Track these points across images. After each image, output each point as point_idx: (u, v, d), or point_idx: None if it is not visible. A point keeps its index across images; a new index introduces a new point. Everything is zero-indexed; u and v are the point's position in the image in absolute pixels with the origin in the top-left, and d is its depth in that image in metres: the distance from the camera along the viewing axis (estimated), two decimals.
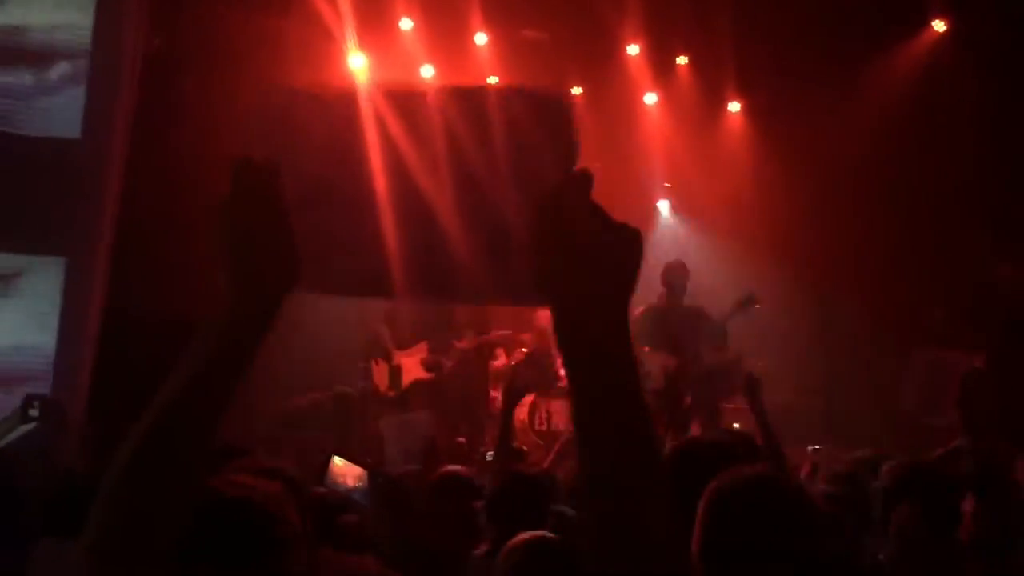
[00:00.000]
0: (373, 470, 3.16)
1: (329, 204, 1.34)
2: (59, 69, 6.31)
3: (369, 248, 1.31)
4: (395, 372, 8.10)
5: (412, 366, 8.18)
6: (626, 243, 1.15)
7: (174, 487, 1.10)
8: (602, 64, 9.95)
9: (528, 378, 3.79)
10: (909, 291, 8.86)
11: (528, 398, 8.34)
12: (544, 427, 8.33)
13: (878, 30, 9.01)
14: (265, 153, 1.25)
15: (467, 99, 1.42)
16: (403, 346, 8.23)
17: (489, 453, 5.99)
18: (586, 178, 1.18)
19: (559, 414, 8.36)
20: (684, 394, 6.67)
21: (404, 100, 1.45)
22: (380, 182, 1.41)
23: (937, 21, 8.96)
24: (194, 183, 7.77)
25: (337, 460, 3.22)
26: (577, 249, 1.12)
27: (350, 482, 3.17)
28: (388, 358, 8.15)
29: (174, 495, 1.10)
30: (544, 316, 9.53)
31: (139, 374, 6.41)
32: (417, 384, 8.16)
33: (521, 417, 8.42)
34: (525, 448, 8.42)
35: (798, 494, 1.88)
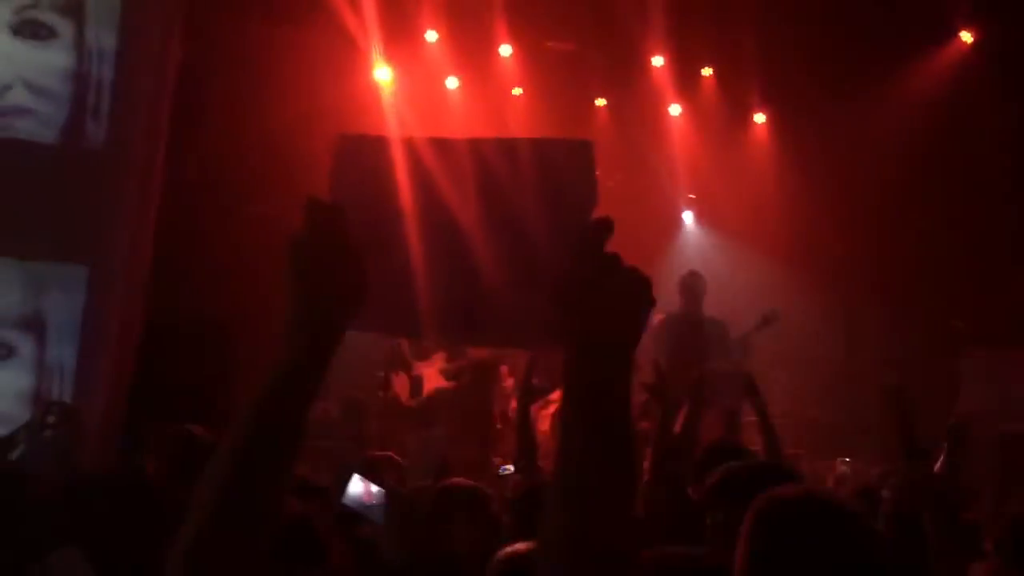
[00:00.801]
0: (392, 490, 3.18)
1: (387, 247, 1.44)
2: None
3: (415, 291, 1.40)
4: (416, 383, 8.12)
5: (432, 376, 8.18)
6: (638, 291, 1.21)
7: (265, 501, 1.15)
8: (627, 75, 9.96)
9: (544, 374, 3.77)
10: (934, 303, 8.79)
11: (550, 408, 8.35)
12: None
13: (904, 41, 8.95)
14: (335, 195, 1.33)
15: (501, 149, 1.50)
16: (421, 356, 8.27)
17: (504, 467, 5.99)
18: (606, 226, 1.25)
19: None
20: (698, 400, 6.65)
21: (445, 149, 1.54)
22: (427, 228, 1.50)
23: (964, 32, 8.89)
24: (221, 191, 7.89)
25: (356, 477, 3.25)
26: (594, 297, 1.19)
27: (367, 499, 3.20)
28: (408, 369, 8.17)
29: (264, 509, 1.15)
30: None
31: (173, 378, 6.53)
32: (438, 393, 8.19)
33: (543, 428, 8.43)
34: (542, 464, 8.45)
35: (855, 516, 1.84)
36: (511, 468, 4.52)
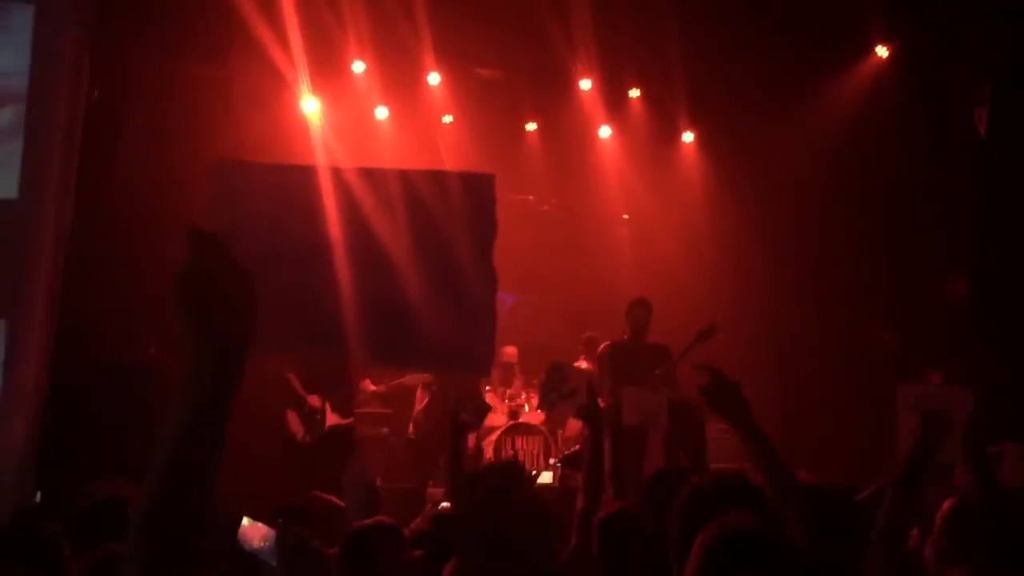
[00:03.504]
0: (283, 528, 3.11)
1: (276, 269, 1.51)
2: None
3: (309, 312, 1.44)
4: (310, 417, 7.68)
5: (327, 410, 7.71)
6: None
7: (195, 515, 1.21)
8: (556, 99, 10.04)
9: (471, 410, 3.70)
10: (860, 314, 8.98)
11: (493, 435, 8.33)
12: None
13: (824, 57, 9.18)
14: (217, 221, 1.42)
15: (407, 179, 1.52)
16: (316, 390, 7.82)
17: (443, 505, 5.90)
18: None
19: (525, 451, 8.35)
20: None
21: (347, 176, 1.56)
22: (322, 251, 1.54)
23: (880, 47, 9.16)
24: (138, 236, 7.70)
25: (245, 520, 3.20)
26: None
27: (257, 542, 3.14)
28: (300, 404, 7.73)
29: (197, 519, 1.21)
30: (508, 352, 9.51)
31: (88, 418, 6.31)
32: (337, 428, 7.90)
33: (487, 455, 8.39)
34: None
35: (796, 554, 1.88)
36: (448, 505, 4.45)
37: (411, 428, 8.72)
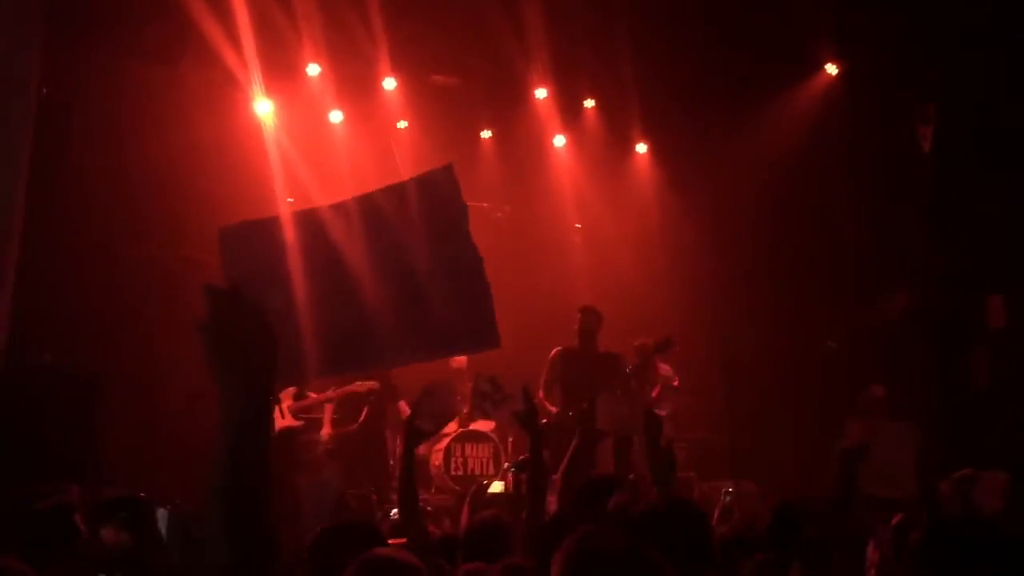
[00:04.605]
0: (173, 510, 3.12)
1: (281, 311, 1.76)
2: None
3: (305, 342, 1.69)
4: None
5: (277, 416, 7.57)
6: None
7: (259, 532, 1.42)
8: (511, 108, 10.07)
9: (430, 415, 3.69)
10: (806, 325, 9.13)
11: (442, 443, 8.30)
12: (460, 472, 8.28)
13: (775, 73, 9.34)
14: (229, 278, 1.65)
15: (387, 196, 1.60)
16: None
17: (394, 512, 5.87)
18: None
19: (475, 458, 8.33)
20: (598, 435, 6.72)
21: (318, 215, 1.69)
22: (311, 285, 1.76)
23: (830, 65, 9.36)
24: (90, 232, 7.56)
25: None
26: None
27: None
28: None
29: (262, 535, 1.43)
30: (458, 360, 9.48)
31: (31, 434, 6.17)
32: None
33: (436, 462, 8.36)
34: (435, 489, 8.35)
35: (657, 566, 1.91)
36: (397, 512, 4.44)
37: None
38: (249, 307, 1.46)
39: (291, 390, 7.74)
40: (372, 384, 8.09)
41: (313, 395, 8.17)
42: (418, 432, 3.67)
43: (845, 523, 2.97)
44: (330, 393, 8.47)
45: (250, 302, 1.46)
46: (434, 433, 4.29)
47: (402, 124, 10.00)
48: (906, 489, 3.80)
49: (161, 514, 4.73)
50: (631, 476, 5.36)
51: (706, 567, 2.59)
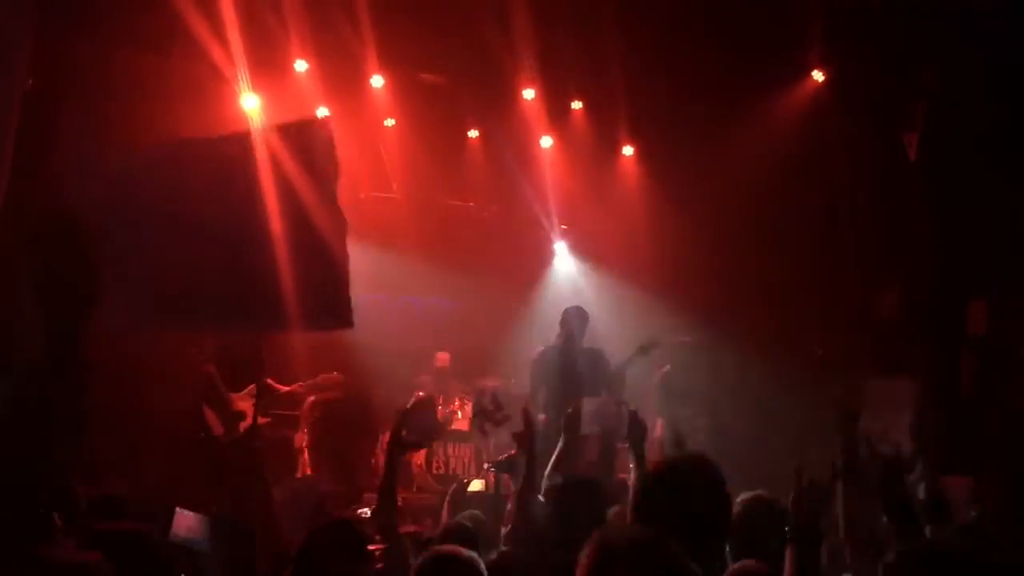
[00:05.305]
0: (215, 515, 3.10)
1: (122, 250, 1.67)
2: None
3: (162, 287, 1.61)
4: (234, 419, 7.53)
5: (249, 409, 7.45)
6: None
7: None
8: (499, 108, 10.07)
9: (417, 428, 3.68)
10: (793, 328, 9.17)
11: None
12: (442, 470, 8.27)
13: (762, 79, 9.38)
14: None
15: (243, 142, 1.57)
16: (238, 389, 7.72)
17: (362, 511, 5.83)
18: None
19: (456, 458, 8.33)
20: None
21: (184, 148, 1.64)
22: (174, 226, 1.69)
23: (816, 71, 9.42)
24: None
25: (179, 510, 3.20)
26: None
27: (184, 532, 3.13)
28: (224, 404, 7.55)
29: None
30: (442, 357, 9.49)
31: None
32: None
33: (418, 461, 8.35)
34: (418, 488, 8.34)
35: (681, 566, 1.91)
36: (367, 512, 4.43)
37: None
38: (85, 237, 1.41)
39: (250, 387, 7.62)
40: (336, 377, 8.08)
41: (280, 387, 8.13)
42: (405, 443, 3.67)
43: (853, 488, 2.99)
44: (296, 387, 8.42)
45: (87, 233, 1.41)
46: (422, 446, 4.30)
47: (389, 122, 9.99)
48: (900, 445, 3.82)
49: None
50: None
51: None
